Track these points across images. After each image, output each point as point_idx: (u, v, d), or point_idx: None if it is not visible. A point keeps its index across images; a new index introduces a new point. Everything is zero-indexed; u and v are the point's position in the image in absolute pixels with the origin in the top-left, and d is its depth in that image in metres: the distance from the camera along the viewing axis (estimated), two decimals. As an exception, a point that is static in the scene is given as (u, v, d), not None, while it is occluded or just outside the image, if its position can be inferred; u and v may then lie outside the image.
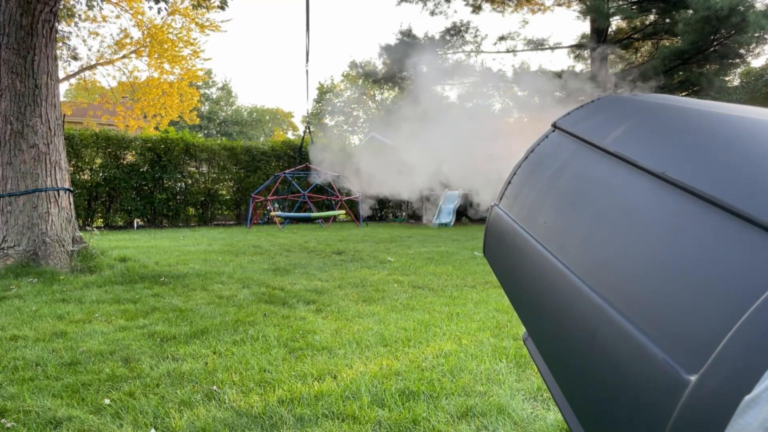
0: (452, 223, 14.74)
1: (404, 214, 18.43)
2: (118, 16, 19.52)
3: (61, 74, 17.21)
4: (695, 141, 0.68)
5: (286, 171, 13.95)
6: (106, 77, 29.24)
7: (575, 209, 0.79)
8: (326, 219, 13.57)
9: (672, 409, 0.48)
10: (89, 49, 21.33)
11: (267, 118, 53.36)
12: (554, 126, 0.99)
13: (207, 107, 46.96)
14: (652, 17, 14.02)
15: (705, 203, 0.57)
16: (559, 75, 13.71)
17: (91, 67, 18.16)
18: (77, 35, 18.39)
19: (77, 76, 18.45)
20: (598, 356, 0.62)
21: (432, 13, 15.47)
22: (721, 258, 0.53)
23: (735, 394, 0.42)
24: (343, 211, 13.99)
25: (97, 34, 17.42)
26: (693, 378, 0.48)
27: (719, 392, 0.44)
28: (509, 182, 1.03)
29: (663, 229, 0.60)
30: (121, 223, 13.73)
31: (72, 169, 12.43)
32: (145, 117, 18.29)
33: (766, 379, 0.41)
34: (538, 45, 15.47)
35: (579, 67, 16.02)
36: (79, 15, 16.44)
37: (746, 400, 0.41)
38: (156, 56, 17.36)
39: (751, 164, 0.58)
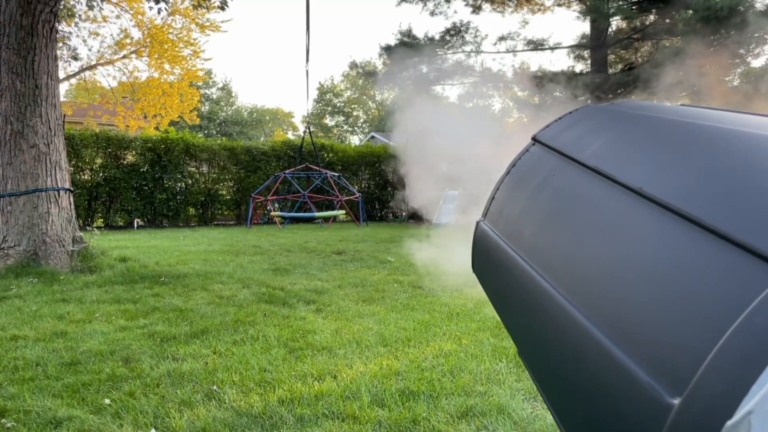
0: (453, 222, 14.74)
1: (404, 213, 18.43)
2: (118, 16, 19.51)
3: (61, 74, 17.22)
4: (671, 154, 0.67)
5: (286, 171, 13.96)
6: (106, 77, 29.26)
7: (558, 225, 0.78)
8: (326, 219, 13.58)
9: None
10: (89, 49, 21.39)
11: (267, 118, 53.37)
12: (534, 139, 0.98)
13: (207, 107, 46.96)
14: (652, 17, 14.02)
15: (682, 220, 0.56)
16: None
17: (91, 67, 18.17)
18: (77, 35, 18.36)
19: (77, 76, 18.46)
20: (585, 378, 0.62)
21: (432, 14, 15.47)
22: (698, 278, 0.52)
23: (717, 420, 0.42)
24: (343, 211, 13.99)
25: (97, 34, 17.43)
26: (676, 402, 0.47)
27: (701, 417, 0.44)
28: (493, 197, 1.03)
29: (642, 247, 0.60)
30: (121, 223, 13.74)
31: (72, 169, 12.43)
32: (145, 117, 18.29)
33: (746, 404, 0.40)
34: (538, 45, 15.47)
35: (579, 67, 16.02)
36: (79, 15, 16.45)
37: (727, 426, 0.41)
38: (156, 56, 17.36)
39: (723, 177, 0.59)
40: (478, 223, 1.05)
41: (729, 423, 0.41)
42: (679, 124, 0.74)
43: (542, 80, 13.99)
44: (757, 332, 0.43)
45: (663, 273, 0.56)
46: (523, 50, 15.64)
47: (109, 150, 13.34)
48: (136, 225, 13.62)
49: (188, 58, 17.92)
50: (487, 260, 1.02)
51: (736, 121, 0.70)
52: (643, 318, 0.56)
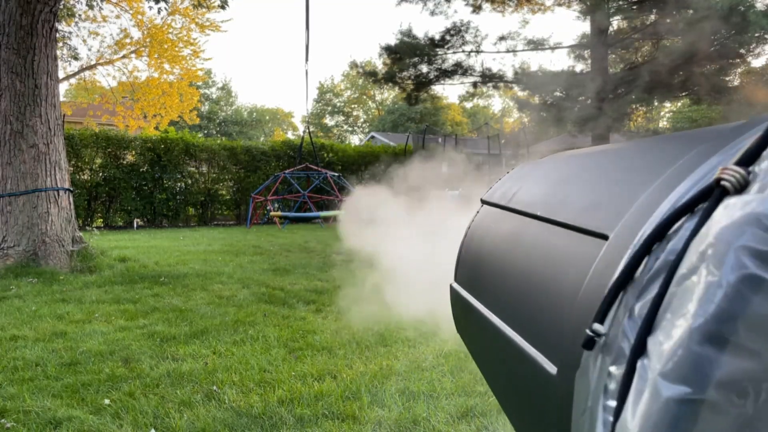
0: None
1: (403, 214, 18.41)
2: (118, 16, 19.49)
3: (61, 74, 17.20)
4: (548, 185, 0.92)
5: (286, 171, 13.94)
6: (106, 77, 29.24)
7: (504, 268, 0.91)
8: (326, 219, 13.57)
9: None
10: (89, 49, 21.34)
11: (267, 118, 53.36)
12: (481, 201, 1.17)
13: (207, 107, 46.94)
14: (652, 17, 14.01)
15: (554, 225, 0.75)
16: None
17: (91, 67, 18.15)
18: (77, 35, 18.32)
19: (77, 76, 18.44)
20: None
21: (432, 13, 15.45)
22: (562, 262, 0.69)
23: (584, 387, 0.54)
24: (343, 211, 13.98)
25: (97, 34, 17.41)
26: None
27: (572, 382, 0.55)
28: (458, 259, 1.16)
29: (545, 257, 0.75)
30: (120, 223, 13.72)
31: (72, 169, 12.42)
32: (145, 117, 18.26)
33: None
34: (538, 45, 15.46)
35: (579, 67, 16.01)
36: (79, 15, 16.44)
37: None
38: (156, 56, 17.34)
39: (560, 191, 0.84)
40: (451, 286, 1.17)
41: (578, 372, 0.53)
42: (562, 159, 1.01)
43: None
44: (592, 300, 0.55)
45: (558, 271, 0.70)
46: (523, 50, 15.63)
47: (109, 150, 13.32)
48: (135, 225, 13.62)
49: (188, 58, 17.90)
50: (465, 320, 1.10)
51: (590, 152, 0.96)
52: (547, 319, 0.68)
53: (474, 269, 1.07)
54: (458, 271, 1.16)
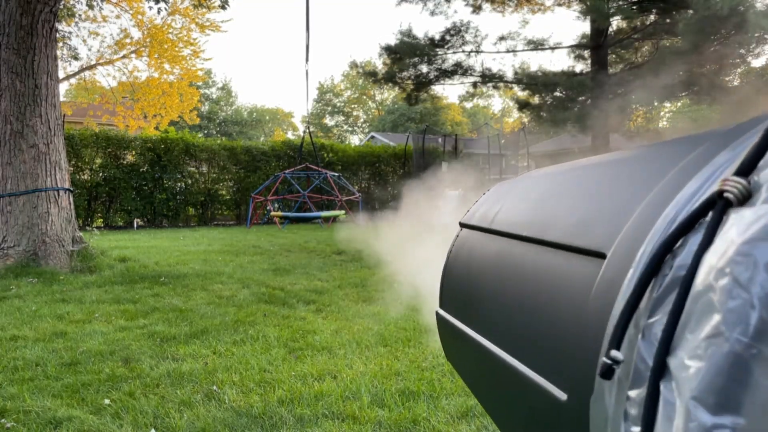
0: (453, 222, 14.71)
1: (403, 214, 18.42)
2: (118, 16, 19.50)
3: (61, 74, 17.20)
4: (530, 204, 0.90)
5: (286, 171, 13.95)
6: (106, 77, 29.22)
7: (495, 293, 0.89)
8: (326, 219, 13.57)
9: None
10: (89, 49, 21.36)
11: (267, 118, 53.37)
12: (460, 224, 1.15)
13: (207, 107, 46.95)
14: (652, 17, 14.00)
15: (543, 246, 0.74)
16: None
17: (91, 67, 18.15)
18: (77, 35, 18.35)
19: (77, 76, 18.45)
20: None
21: (432, 13, 15.44)
22: (557, 285, 0.67)
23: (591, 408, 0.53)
24: (343, 212, 13.98)
25: (97, 34, 17.41)
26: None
27: (585, 408, 0.54)
28: (442, 285, 1.15)
29: (537, 280, 0.73)
30: (121, 223, 13.72)
31: (72, 169, 12.42)
32: (145, 117, 18.27)
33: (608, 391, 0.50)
34: (538, 45, 15.45)
35: (579, 67, 16.01)
36: (79, 15, 16.44)
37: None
38: (156, 56, 17.35)
39: (545, 210, 0.82)
40: (437, 313, 1.14)
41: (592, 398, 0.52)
42: (543, 177, 0.99)
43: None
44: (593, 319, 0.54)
45: (552, 294, 0.69)
46: (523, 50, 15.62)
47: (109, 150, 13.32)
48: (135, 225, 13.61)
49: (188, 58, 17.91)
50: (454, 347, 1.09)
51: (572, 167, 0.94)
52: (546, 339, 0.67)
53: (461, 295, 1.04)
54: (443, 297, 1.13)
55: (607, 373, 0.48)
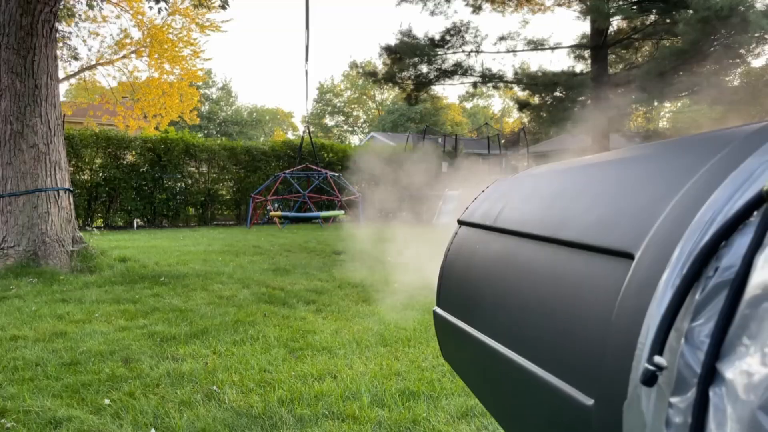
0: (452, 223, 14.70)
1: (403, 214, 18.41)
2: (118, 16, 19.51)
3: (61, 74, 17.20)
4: (540, 201, 0.88)
5: (286, 171, 13.94)
6: (106, 77, 29.17)
7: (503, 293, 0.88)
8: (326, 219, 13.57)
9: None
10: (89, 49, 21.37)
11: (267, 118, 53.37)
12: (459, 222, 1.13)
13: (207, 107, 46.95)
14: (652, 17, 14.00)
15: (558, 245, 0.72)
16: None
17: (91, 67, 18.14)
18: (77, 35, 18.32)
19: (77, 76, 18.43)
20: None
21: (432, 14, 15.45)
22: (577, 285, 0.65)
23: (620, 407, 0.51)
24: (343, 212, 13.98)
25: (97, 34, 17.40)
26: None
27: (616, 414, 0.52)
28: (440, 284, 1.13)
29: (553, 280, 0.71)
30: (121, 223, 13.72)
31: (72, 169, 12.41)
32: (145, 117, 18.25)
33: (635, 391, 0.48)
34: (538, 45, 15.46)
35: (579, 67, 16.00)
36: (79, 15, 16.43)
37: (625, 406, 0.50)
38: (156, 56, 17.33)
39: (557, 207, 0.80)
40: (434, 311, 1.13)
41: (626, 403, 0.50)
42: (546, 175, 0.98)
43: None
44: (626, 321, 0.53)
45: (564, 293, 0.67)
46: (523, 50, 15.63)
47: (109, 150, 13.32)
48: (135, 225, 13.61)
49: (188, 58, 17.89)
50: (452, 345, 1.08)
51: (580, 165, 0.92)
52: (562, 341, 0.65)
53: (462, 294, 1.02)
54: (441, 295, 1.11)
55: (651, 380, 0.46)
